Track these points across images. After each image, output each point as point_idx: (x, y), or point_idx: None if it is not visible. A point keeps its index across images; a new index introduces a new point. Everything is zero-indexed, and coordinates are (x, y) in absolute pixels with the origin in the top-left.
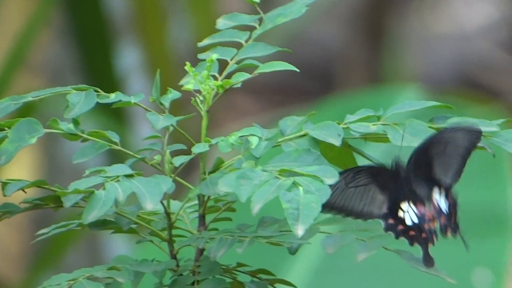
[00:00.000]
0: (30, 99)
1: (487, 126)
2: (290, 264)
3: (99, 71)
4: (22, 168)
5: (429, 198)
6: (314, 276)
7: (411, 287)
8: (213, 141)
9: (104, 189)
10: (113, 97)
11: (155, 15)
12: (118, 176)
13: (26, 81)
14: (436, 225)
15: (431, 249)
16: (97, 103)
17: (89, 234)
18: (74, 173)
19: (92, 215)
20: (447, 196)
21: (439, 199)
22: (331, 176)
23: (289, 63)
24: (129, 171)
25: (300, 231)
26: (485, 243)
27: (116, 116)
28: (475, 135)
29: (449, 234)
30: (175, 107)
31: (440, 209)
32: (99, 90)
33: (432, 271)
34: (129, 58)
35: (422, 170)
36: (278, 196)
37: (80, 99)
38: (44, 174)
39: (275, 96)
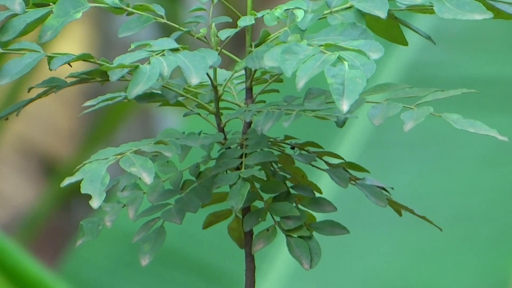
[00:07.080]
0: None
1: None
2: (340, 137)
3: None
4: (73, 44)
5: None
6: (364, 149)
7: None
8: (259, 14)
9: (149, 63)
10: None
11: None
12: (163, 50)
13: None
14: None
15: None
16: None
17: (140, 109)
18: (126, 48)
19: (136, 90)
20: None
21: None
22: (376, 50)
23: None
24: (174, 45)
25: (345, 106)
26: None
27: None
28: None
29: None
30: None
31: None
32: None
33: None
34: None
35: None
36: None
37: None
38: (96, 49)
39: None
